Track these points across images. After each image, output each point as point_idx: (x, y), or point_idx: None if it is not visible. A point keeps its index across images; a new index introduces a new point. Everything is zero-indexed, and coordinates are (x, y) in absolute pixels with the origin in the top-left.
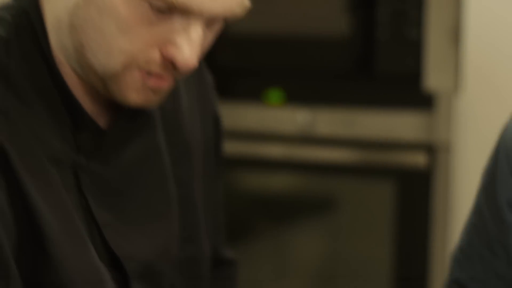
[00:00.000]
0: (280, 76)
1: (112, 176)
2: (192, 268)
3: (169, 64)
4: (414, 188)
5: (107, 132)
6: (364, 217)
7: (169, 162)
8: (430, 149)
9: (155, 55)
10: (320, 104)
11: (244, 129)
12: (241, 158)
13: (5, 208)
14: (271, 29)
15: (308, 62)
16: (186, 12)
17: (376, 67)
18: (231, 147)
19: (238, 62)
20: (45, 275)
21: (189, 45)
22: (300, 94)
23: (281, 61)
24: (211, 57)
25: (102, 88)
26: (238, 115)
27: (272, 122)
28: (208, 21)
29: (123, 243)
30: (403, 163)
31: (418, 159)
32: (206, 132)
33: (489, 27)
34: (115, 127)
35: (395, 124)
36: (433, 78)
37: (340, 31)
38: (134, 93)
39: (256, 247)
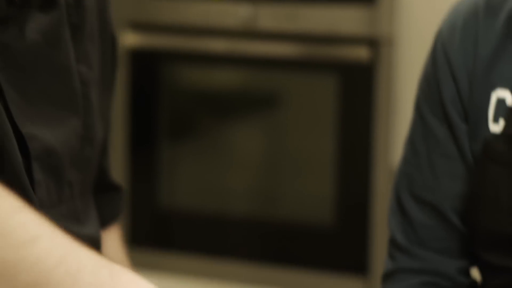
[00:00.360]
0: None
1: (18, 50)
2: (87, 171)
3: None
4: (357, 81)
5: (18, 3)
6: (307, 111)
7: (74, 58)
8: (372, 42)
9: None
10: None
11: (185, 23)
12: (182, 53)
13: None
14: None
15: None
16: None
17: None
18: (172, 42)
19: None
20: None
21: None
22: None
23: None
24: None
25: None
26: (179, 10)
27: (213, 16)
28: None
29: (27, 122)
30: (346, 57)
31: (361, 53)
32: (104, 44)
33: None
34: (24, 1)
35: (338, 18)
36: None
37: None
38: None
39: (200, 143)
